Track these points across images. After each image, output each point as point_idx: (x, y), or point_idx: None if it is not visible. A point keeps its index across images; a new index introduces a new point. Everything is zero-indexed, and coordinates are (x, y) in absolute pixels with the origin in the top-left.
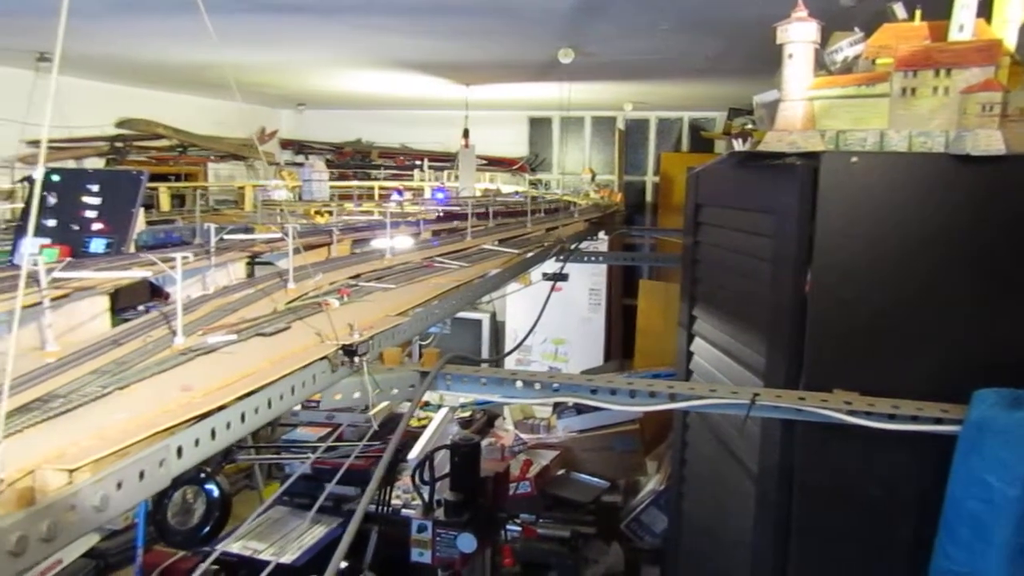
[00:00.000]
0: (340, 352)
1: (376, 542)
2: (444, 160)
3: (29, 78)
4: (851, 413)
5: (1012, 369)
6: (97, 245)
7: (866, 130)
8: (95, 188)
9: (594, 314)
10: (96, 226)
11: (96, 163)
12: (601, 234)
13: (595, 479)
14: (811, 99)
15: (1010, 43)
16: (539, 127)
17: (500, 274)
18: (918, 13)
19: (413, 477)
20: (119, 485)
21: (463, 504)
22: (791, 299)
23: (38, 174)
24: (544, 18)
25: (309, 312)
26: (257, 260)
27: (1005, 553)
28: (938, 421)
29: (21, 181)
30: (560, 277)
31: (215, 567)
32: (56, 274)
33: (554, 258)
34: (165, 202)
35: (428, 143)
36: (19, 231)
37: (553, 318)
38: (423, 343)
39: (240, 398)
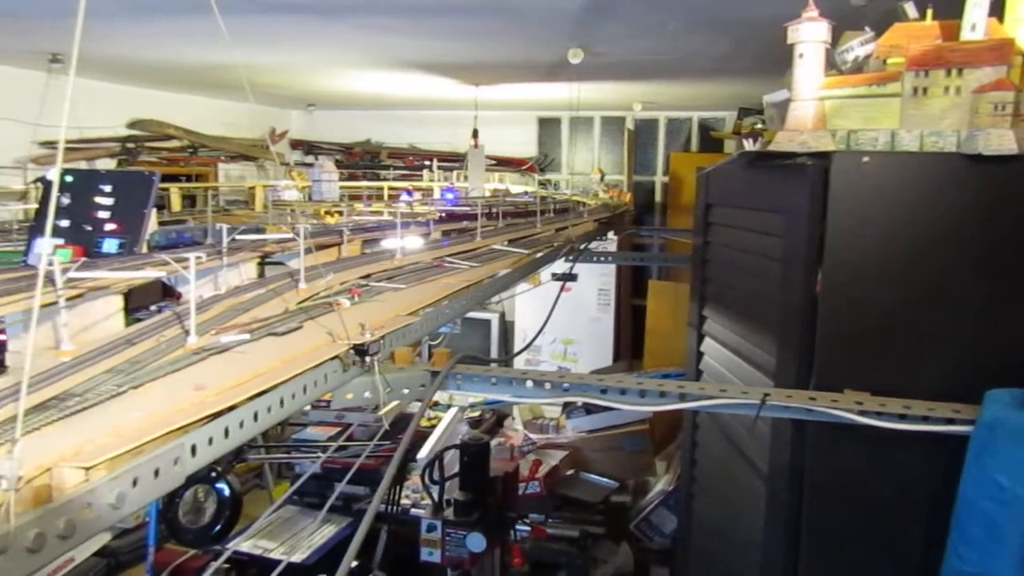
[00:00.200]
0: (351, 352)
1: (386, 541)
2: (453, 160)
3: (41, 79)
4: (862, 413)
5: None
6: (110, 245)
7: (877, 130)
8: (108, 189)
9: (603, 314)
10: (109, 226)
11: (108, 164)
12: (610, 234)
13: (604, 479)
14: (822, 99)
15: (1022, 42)
16: (548, 127)
17: (510, 274)
18: (929, 12)
19: (423, 477)
20: (135, 482)
21: (473, 504)
22: (802, 299)
23: (52, 175)
24: (553, 18)
25: (320, 312)
26: (268, 260)
27: (1018, 553)
28: (950, 421)
29: (35, 182)
30: (569, 277)
31: (226, 566)
32: (71, 274)
33: (563, 258)
34: (176, 202)
35: (437, 143)
36: (33, 231)
37: (562, 318)
38: (433, 343)
39: (253, 397)
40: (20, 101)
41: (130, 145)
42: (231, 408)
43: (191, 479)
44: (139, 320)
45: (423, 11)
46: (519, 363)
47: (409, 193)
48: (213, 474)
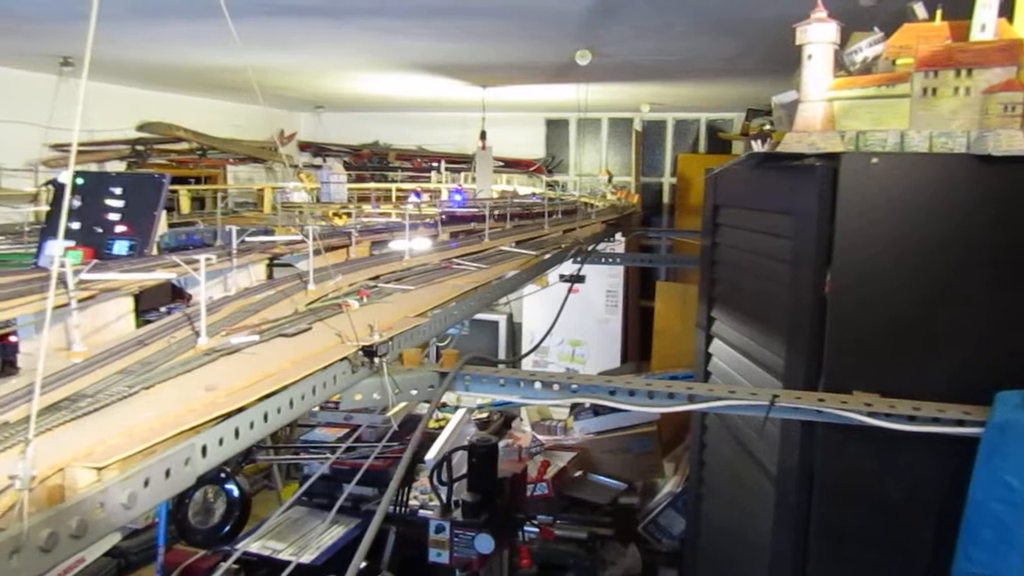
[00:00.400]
0: (360, 353)
1: (394, 543)
2: (461, 162)
3: (52, 82)
4: (871, 415)
5: None
6: (120, 247)
7: (886, 131)
8: (118, 191)
9: (611, 315)
10: (119, 228)
11: (117, 166)
12: (618, 236)
13: (612, 481)
14: (831, 100)
15: None
16: (556, 128)
17: (518, 275)
18: (939, 13)
19: (431, 478)
20: (146, 483)
21: (481, 505)
22: (810, 300)
23: (63, 177)
24: (560, 20)
25: (329, 313)
26: (277, 262)
27: None
28: (960, 423)
29: (46, 184)
30: (577, 279)
31: (235, 566)
32: (83, 276)
33: (571, 260)
34: (185, 204)
35: (445, 145)
36: (44, 233)
37: (570, 320)
38: (441, 344)
39: (263, 398)
40: (31, 104)
41: (139, 147)
42: (241, 409)
43: (201, 480)
44: (149, 321)
45: (431, 13)
46: (527, 365)
47: (418, 195)
48: (222, 475)
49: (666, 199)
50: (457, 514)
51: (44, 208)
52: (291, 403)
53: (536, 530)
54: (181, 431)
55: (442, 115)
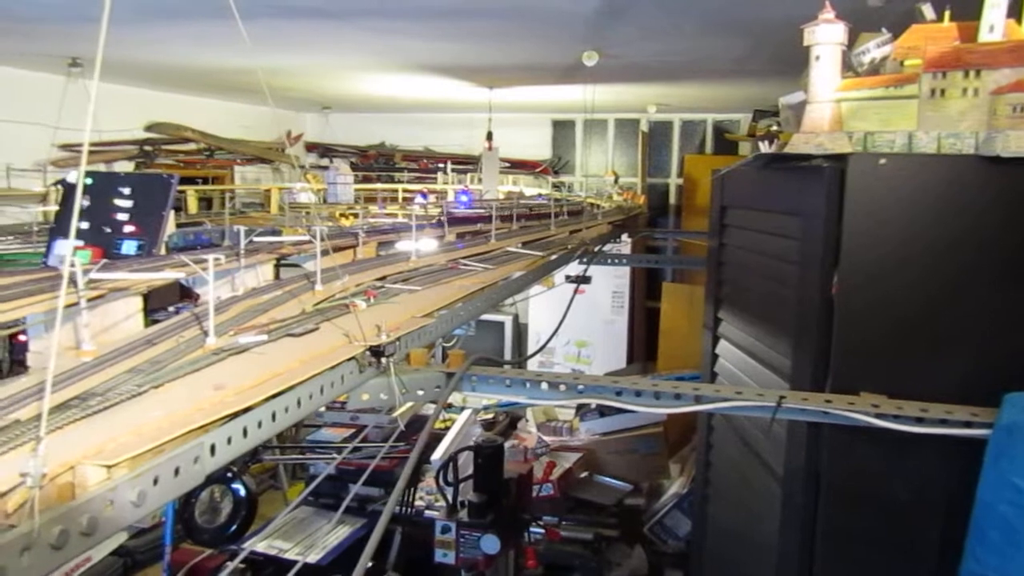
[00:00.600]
0: (368, 353)
1: (400, 543)
2: (467, 163)
3: (60, 83)
4: (878, 416)
5: None
6: (129, 247)
7: (894, 132)
8: (127, 191)
9: (617, 316)
10: (128, 228)
11: (125, 166)
12: (624, 236)
13: (618, 482)
14: (838, 101)
15: None
16: (562, 129)
17: (524, 276)
18: (947, 14)
19: (437, 478)
20: (155, 481)
21: (487, 505)
22: (818, 301)
23: (72, 177)
24: (567, 21)
25: (337, 313)
26: (283, 262)
27: None
28: (968, 424)
29: (55, 184)
30: (583, 280)
31: (241, 566)
32: (93, 275)
33: (577, 260)
34: (193, 205)
35: (451, 146)
36: (53, 233)
37: (576, 320)
38: (447, 345)
39: (271, 397)
40: (39, 105)
41: (147, 148)
42: (250, 408)
43: (208, 479)
44: (157, 321)
45: (438, 14)
46: (532, 365)
47: (424, 195)
48: (229, 474)
49: (672, 200)
50: (463, 514)
51: (53, 208)
52: (299, 402)
53: (542, 531)
54: (190, 430)
55: (448, 116)
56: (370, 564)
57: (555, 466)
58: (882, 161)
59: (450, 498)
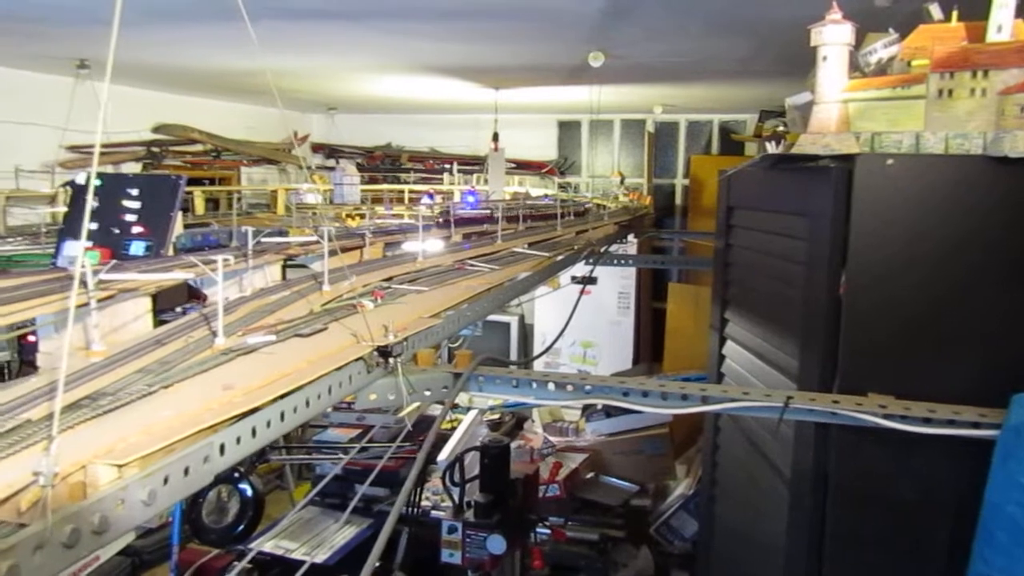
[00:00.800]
0: (375, 353)
1: (406, 543)
2: (473, 163)
3: (68, 84)
4: (886, 416)
5: None
6: (137, 248)
7: (902, 132)
8: (135, 192)
9: (623, 317)
10: (136, 229)
11: (133, 167)
12: (630, 237)
13: (624, 482)
14: (845, 101)
15: None
16: (568, 130)
17: (530, 277)
18: (955, 14)
19: (443, 478)
20: (166, 480)
21: (493, 506)
22: (825, 302)
23: (81, 179)
24: (573, 22)
25: (344, 314)
26: (290, 263)
27: None
28: (976, 425)
29: (63, 186)
30: (589, 280)
31: (248, 566)
32: (103, 276)
33: (583, 261)
34: (200, 206)
35: (457, 146)
36: (62, 234)
37: (582, 321)
38: (453, 345)
39: (280, 397)
40: (47, 106)
41: (155, 149)
42: (258, 408)
43: (215, 479)
44: (165, 322)
45: (444, 15)
46: (538, 366)
47: (431, 196)
48: (236, 474)
49: (678, 201)
50: (469, 515)
51: (61, 209)
52: (307, 402)
53: (548, 531)
54: (200, 429)
55: (454, 117)
56: (377, 564)
57: (561, 467)
58: (889, 162)
59: (456, 498)
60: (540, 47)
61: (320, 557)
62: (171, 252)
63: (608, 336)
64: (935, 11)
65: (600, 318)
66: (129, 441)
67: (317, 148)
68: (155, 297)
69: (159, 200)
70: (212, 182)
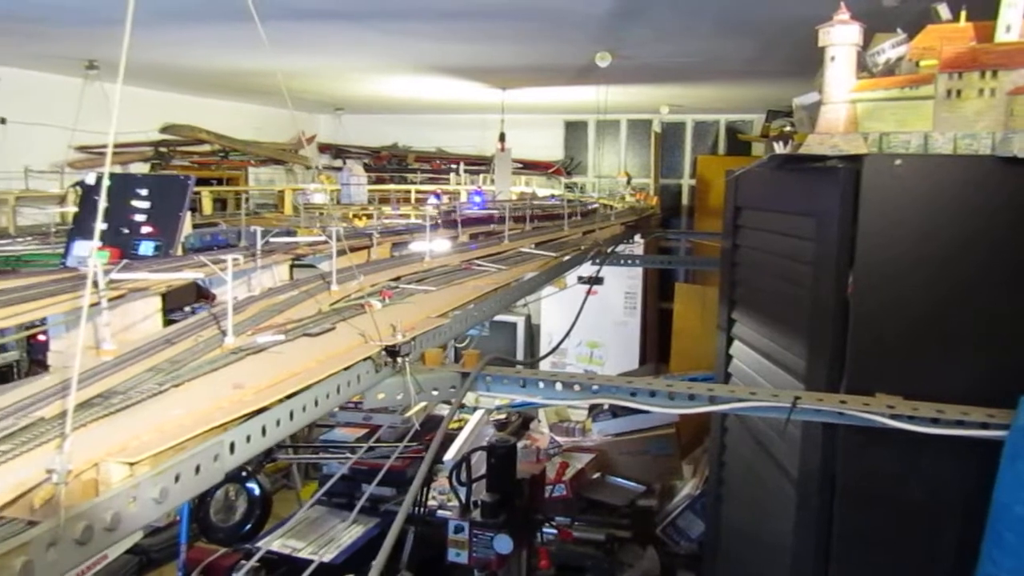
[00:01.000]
0: (383, 353)
1: (413, 542)
2: (480, 164)
3: (77, 85)
4: (894, 417)
5: None
6: (146, 248)
7: (910, 132)
8: (144, 192)
9: (629, 317)
10: (145, 229)
11: (141, 168)
12: (637, 237)
13: (631, 483)
14: (853, 101)
15: None
16: (575, 130)
17: (537, 277)
18: (963, 14)
19: (450, 478)
20: (177, 478)
21: (499, 505)
22: (833, 302)
23: (91, 179)
24: (581, 22)
25: (352, 313)
26: (298, 263)
27: None
28: (984, 426)
29: (73, 186)
30: (595, 280)
31: (256, 564)
32: (114, 276)
33: (590, 261)
34: (207, 206)
35: (464, 147)
36: (71, 234)
37: (588, 321)
38: (459, 345)
39: (289, 396)
40: (56, 107)
41: (163, 149)
42: (268, 407)
43: (223, 478)
44: (174, 321)
45: (451, 15)
46: (544, 366)
47: (438, 196)
48: (244, 473)
49: (685, 201)
50: (476, 514)
51: (71, 209)
52: (316, 402)
53: (554, 531)
54: (210, 428)
55: (461, 117)
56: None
57: (568, 467)
58: (898, 162)
59: (463, 498)
60: (547, 47)
61: (327, 556)
62: (180, 252)
63: (614, 336)
64: (943, 11)
65: (606, 318)
66: (141, 439)
67: (324, 148)
68: (165, 296)
69: (168, 200)
70: (220, 182)
